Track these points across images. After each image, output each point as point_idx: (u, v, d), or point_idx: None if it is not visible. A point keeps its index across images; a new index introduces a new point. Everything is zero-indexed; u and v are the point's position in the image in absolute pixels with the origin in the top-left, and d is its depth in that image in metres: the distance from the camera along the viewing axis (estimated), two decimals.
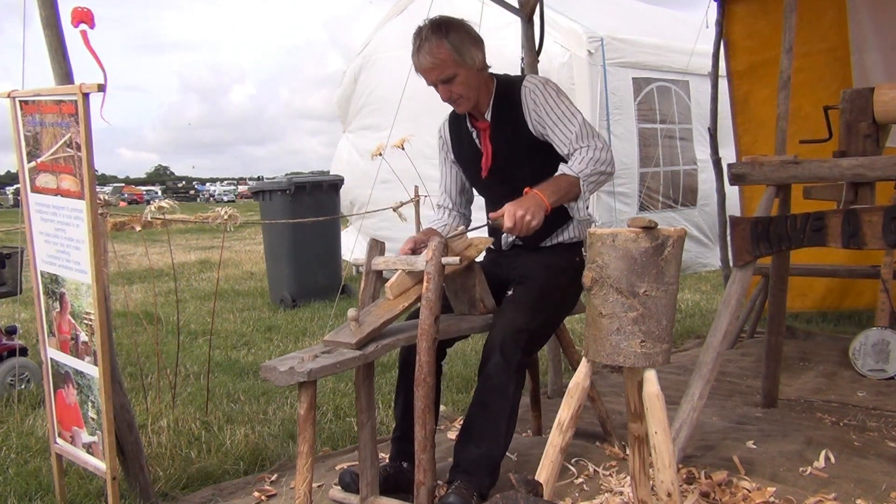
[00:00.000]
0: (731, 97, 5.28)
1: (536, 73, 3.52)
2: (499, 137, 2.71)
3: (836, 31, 4.78)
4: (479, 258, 2.68)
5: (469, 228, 2.87)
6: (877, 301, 4.11)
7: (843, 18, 4.74)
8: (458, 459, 2.50)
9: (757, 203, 3.01)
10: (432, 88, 2.69)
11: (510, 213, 2.40)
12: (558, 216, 2.64)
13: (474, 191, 2.98)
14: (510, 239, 2.80)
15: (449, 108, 2.84)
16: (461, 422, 3.40)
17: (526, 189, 2.49)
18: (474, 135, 2.77)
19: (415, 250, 2.58)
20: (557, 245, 2.77)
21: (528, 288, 2.64)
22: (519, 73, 3.43)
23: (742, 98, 5.24)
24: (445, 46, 2.58)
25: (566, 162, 2.57)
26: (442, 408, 3.41)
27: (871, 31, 4.65)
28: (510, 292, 2.68)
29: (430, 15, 5.47)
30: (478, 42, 2.67)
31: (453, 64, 2.59)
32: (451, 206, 2.96)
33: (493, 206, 2.85)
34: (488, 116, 2.72)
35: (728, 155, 5.45)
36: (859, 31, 4.67)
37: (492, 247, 2.90)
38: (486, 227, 2.76)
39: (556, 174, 2.55)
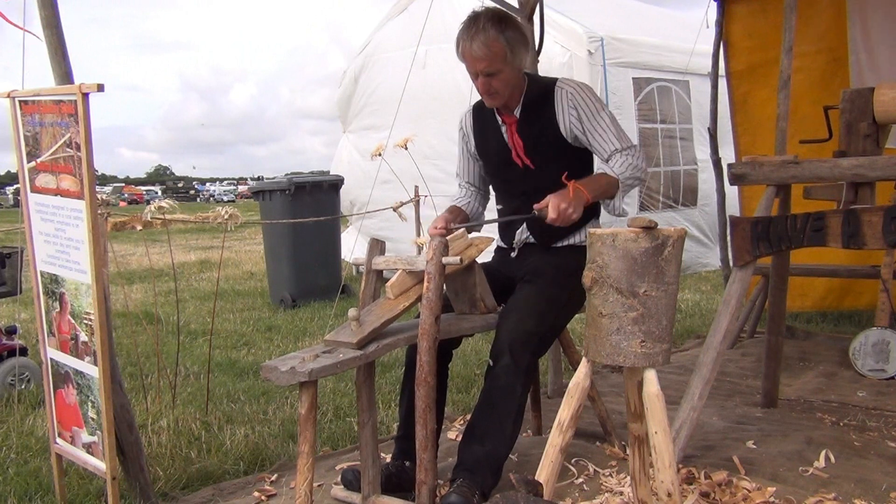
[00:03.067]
0: (729, 97, 5.28)
1: (536, 72, 3.53)
2: (526, 133, 2.73)
3: (835, 32, 4.78)
4: (486, 258, 2.69)
5: (484, 221, 2.90)
6: (877, 301, 4.11)
7: (841, 19, 4.74)
8: (461, 458, 2.50)
9: (756, 203, 3.02)
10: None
11: (555, 205, 2.46)
12: None
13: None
14: (523, 237, 2.81)
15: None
16: (461, 422, 3.42)
17: (569, 181, 2.53)
18: (503, 129, 2.79)
19: (447, 229, 2.61)
20: (567, 247, 2.78)
21: (536, 289, 2.64)
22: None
23: (741, 98, 5.24)
24: (501, 41, 2.58)
25: (597, 165, 2.68)
26: None
27: (871, 32, 4.64)
28: (517, 291, 2.68)
29: (430, 15, 5.46)
30: (527, 44, 2.72)
31: (503, 60, 2.60)
32: (472, 189, 3.00)
33: (508, 200, 2.87)
34: (517, 113, 2.74)
35: (728, 155, 5.45)
36: (858, 32, 4.67)
37: (502, 245, 2.91)
38: (493, 224, 2.80)
39: (597, 173, 2.65)
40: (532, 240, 2.80)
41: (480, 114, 2.88)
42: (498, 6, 3.10)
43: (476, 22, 2.61)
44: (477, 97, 2.85)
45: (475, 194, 3.00)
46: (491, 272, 2.69)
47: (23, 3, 2.53)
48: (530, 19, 3.85)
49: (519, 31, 2.66)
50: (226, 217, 3.80)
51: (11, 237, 6.13)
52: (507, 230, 2.88)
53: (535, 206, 2.54)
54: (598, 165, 2.70)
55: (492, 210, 3.00)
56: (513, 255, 2.84)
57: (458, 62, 2.72)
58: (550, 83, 2.75)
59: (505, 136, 2.79)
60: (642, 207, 7.89)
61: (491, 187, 2.99)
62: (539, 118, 2.72)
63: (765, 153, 3.62)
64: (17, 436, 3.36)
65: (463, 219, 2.86)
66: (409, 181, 5.74)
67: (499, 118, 2.79)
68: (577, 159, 2.74)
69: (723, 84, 5.28)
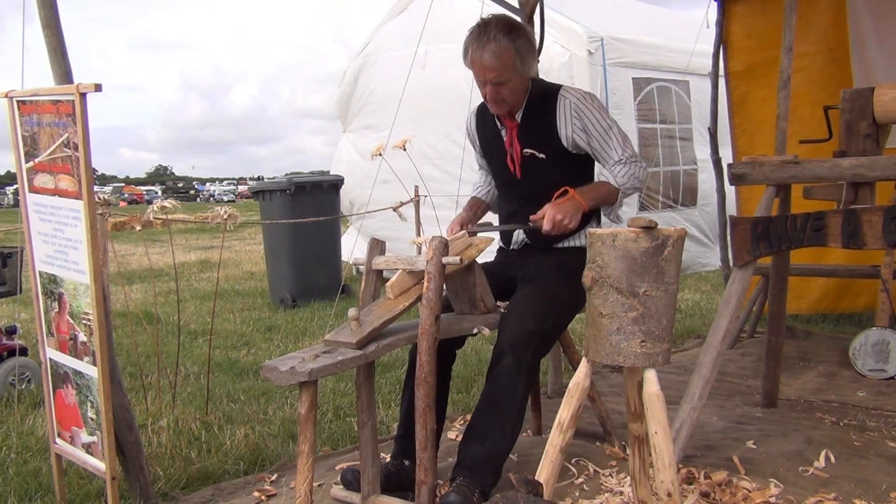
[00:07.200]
0: (728, 98, 5.27)
1: (536, 73, 3.53)
2: (527, 139, 2.73)
3: (834, 32, 4.78)
4: (488, 257, 2.69)
5: (487, 228, 2.90)
6: (874, 303, 4.10)
7: (840, 19, 4.74)
8: (461, 457, 2.50)
9: (753, 203, 3.01)
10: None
11: (550, 217, 2.50)
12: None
13: None
14: (520, 237, 2.82)
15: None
16: (461, 422, 3.42)
17: (567, 189, 2.57)
18: (503, 133, 2.79)
19: (463, 226, 2.70)
20: (568, 247, 2.78)
21: (537, 289, 2.64)
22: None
23: (739, 99, 5.23)
24: (512, 51, 2.58)
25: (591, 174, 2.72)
26: None
27: (872, 32, 4.64)
28: (518, 291, 2.68)
29: (429, 15, 5.46)
30: (535, 52, 2.71)
31: (512, 70, 2.60)
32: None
33: (507, 202, 2.89)
34: (518, 117, 2.73)
35: (728, 155, 5.44)
36: (859, 32, 4.67)
37: (502, 245, 2.91)
38: (494, 230, 2.81)
39: (599, 181, 2.67)
40: (529, 241, 2.81)
41: (482, 117, 2.88)
42: (506, 13, 3.09)
43: (486, 30, 2.59)
44: (477, 97, 2.85)
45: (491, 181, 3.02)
46: (492, 272, 2.69)
47: (23, 2, 2.53)
48: (530, 19, 3.86)
49: (528, 40, 2.66)
50: (225, 217, 3.79)
51: (11, 237, 6.13)
52: (504, 232, 2.89)
53: (532, 217, 2.56)
54: (598, 171, 2.69)
55: None
56: (514, 247, 2.85)
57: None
58: (553, 90, 2.73)
59: (505, 140, 2.78)
60: (642, 207, 7.88)
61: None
62: (539, 124, 2.70)
63: (763, 153, 3.62)
64: (17, 436, 3.35)
65: (483, 209, 2.93)
66: (408, 181, 5.73)
67: (499, 122, 2.79)
68: (574, 166, 2.74)
69: (723, 84, 5.27)
